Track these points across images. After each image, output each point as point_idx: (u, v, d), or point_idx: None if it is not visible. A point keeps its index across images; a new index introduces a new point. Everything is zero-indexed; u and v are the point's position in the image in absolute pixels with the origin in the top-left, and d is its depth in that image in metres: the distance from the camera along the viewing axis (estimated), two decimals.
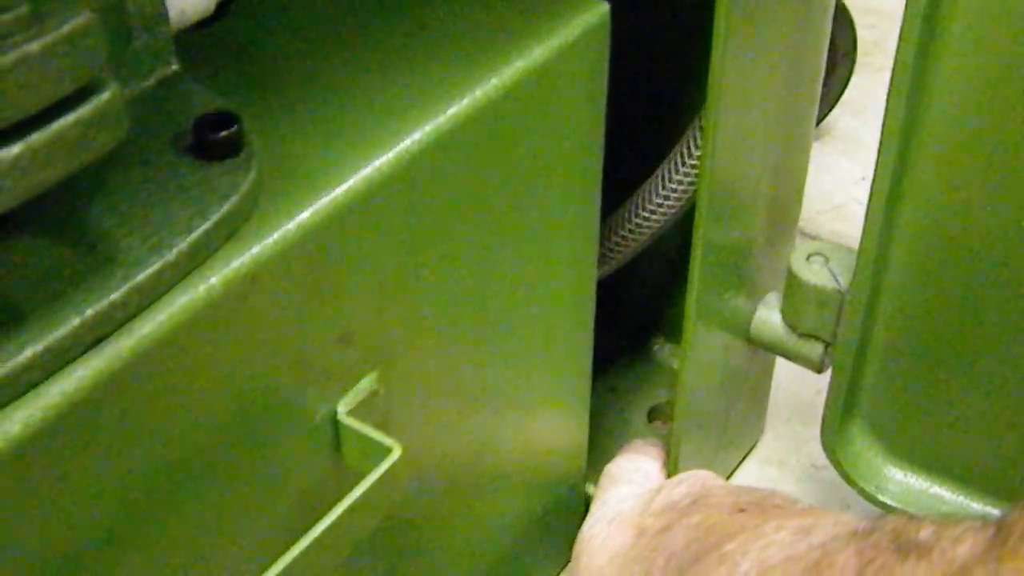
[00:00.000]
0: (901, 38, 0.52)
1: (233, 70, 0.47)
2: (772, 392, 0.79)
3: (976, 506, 0.65)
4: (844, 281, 0.61)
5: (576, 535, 0.69)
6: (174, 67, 0.44)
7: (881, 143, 0.55)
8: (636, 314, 0.83)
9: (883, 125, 0.55)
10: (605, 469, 0.67)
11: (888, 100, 0.54)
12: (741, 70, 0.53)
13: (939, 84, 0.53)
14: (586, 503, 0.69)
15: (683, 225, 0.66)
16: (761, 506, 0.50)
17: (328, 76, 0.46)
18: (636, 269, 0.71)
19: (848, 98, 1.09)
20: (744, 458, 0.79)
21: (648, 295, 0.82)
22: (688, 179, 0.63)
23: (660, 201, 0.65)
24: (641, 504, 0.56)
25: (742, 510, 0.50)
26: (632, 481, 0.63)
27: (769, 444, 0.80)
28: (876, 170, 0.56)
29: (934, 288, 0.59)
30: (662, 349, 0.84)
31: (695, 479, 0.58)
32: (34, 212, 0.35)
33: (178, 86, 0.44)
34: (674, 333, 0.83)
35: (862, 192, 1.06)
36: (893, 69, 0.53)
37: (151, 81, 0.43)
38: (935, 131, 0.55)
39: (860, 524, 0.44)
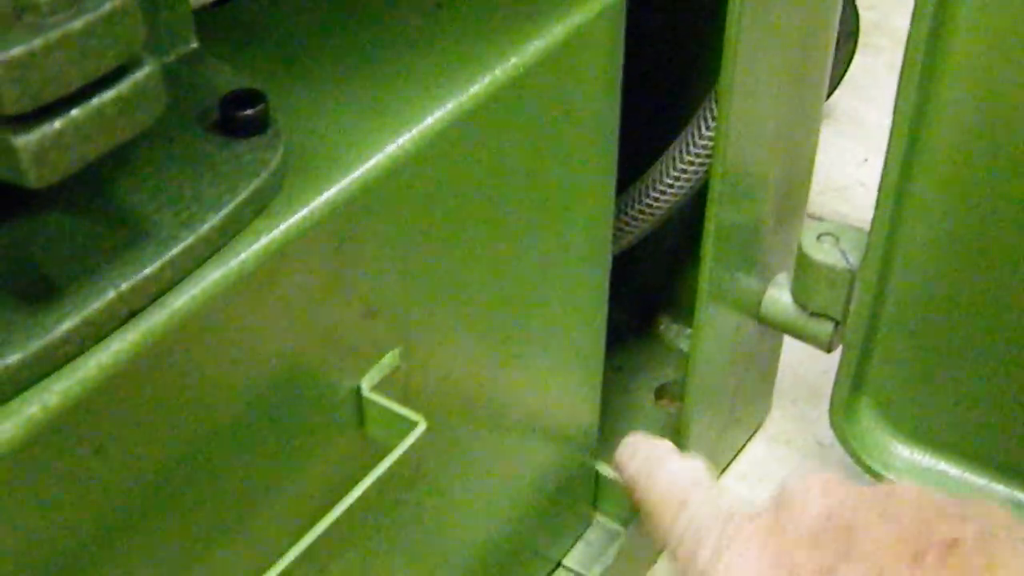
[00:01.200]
0: (913, 17, 0.53)
1: (251, 48, 0.48)
2: (778, 372, 0.80)
3: (981, 482, 0.66)
4: (854, 260, 0.61)
5: (587, 513, 0.70)
6: (194, 45, 0.45)
7: (893, 123, 0.56)
8: (642, 294, 0.83)
9: (895, 105, 0.55)
10: (624, 444, 0.55)
11: (900, 80, 0.55)
12: (755, 49, 0.54)
13: (951, 64, 0.54)
14: (596, 480, 0.70)
15: (689, 206, 0.66)
16: (936, 547, 0.41)
17: (347, 55, 0.47)
18: (641, 249, 0.71)
19: (849, 79, 1.09)
20: (751, 436, 0.80)
21: (653, 275, 0.83)
22: (699, 160, 0.63)
23: (670, 182, 0.65)
24: (768, 522, 0.45)
25: (916, 557, 0.41)
26: (671, 461, 0.49)
27: (776, 423, 0.81)
28: (888, 150, 0.56)
29: (944, 267, 0.59)
30: (668, 329, 0.85)
31: (822, 488, 0.46)
32: (63, 189, 0.36)
33: (199, 64, 0.44)
34: (680, 313, 0.84)
35: (864, 173, 1.07)
36: (905, 49, 0.54)
37: (171, 59, 0.43)
38: (946, 111, 0.55)
39: None
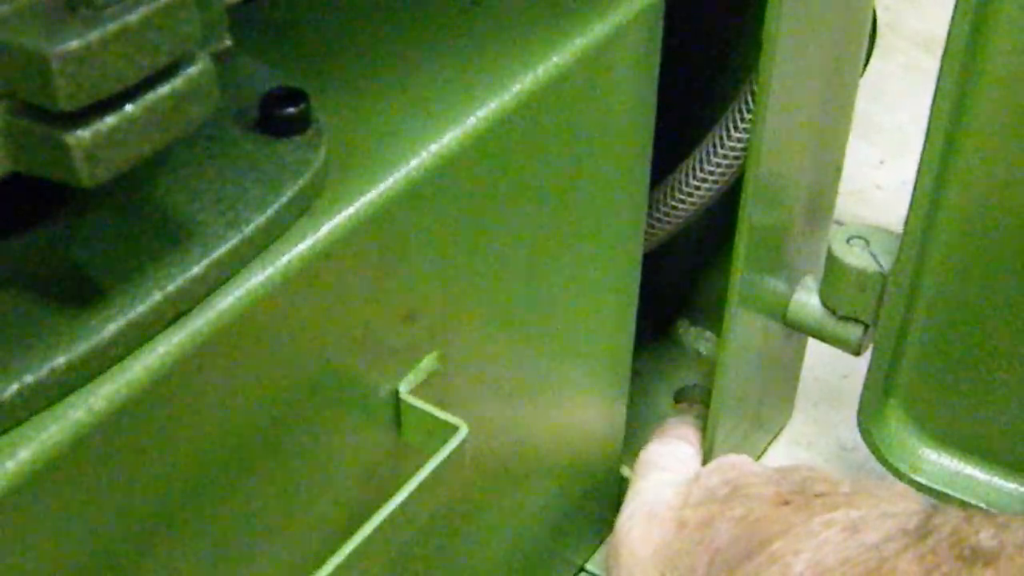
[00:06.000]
0: (953, 19, 0.52)
1: (285, 46, 0.47)
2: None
3: (1011, 487, 0.65)
4: (886, 263, 0.60)
5: (610, 517, 0.70)
6: (228, 43, 0.44)
7: (929, 124, 0.55)
8: (661, 297, 0.82)
9: (931, 109, 0.55)
10: (639, 456, 0.67)
11: (938, 82, 0.54)
12: (792, 46, 0.53)
13: (989, 67, 0.53)
14: (620, 485, 0.69)
15: (710, 209, 0.66)
16: (804, 495, 0.50)
17: (383, 52, 0.46)
18: (661, 252, 0.71)
19: (863, 81, 1.08)
20: (773, 439, 0.79)
21: (673, 278, 0.82)
22: (726, 162, 0.63)
23: (697, 184, 0.64)
24: (679, 496, 0.56)
25: (786, 502, 0.50)
26: (667, 467, 0.63)
27: (798, 427, 0.80)
28: (923, 152, 0.56)
29: (977, 270, 0.59)
30: (687, 332, 0.84)
31: (730, 465, 0.57)
32: (105, 189, 0.35)
33: (234, 62, 0.43)
34: (699, 316, 0.83)
35: (882, 176, 1.06)
36: (944, 51, 0.53)
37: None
38: (983, 113, 0.54)
39: (909, 522, 0.44)
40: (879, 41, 1.10)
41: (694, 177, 0.64)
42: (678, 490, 0.58)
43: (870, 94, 1.12)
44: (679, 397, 0.80)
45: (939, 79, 0.54)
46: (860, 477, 0.53)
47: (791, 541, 0.46)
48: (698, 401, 0.79)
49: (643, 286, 0.62)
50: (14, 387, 0.30)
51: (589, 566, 0.70)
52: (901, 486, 0.49)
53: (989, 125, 0.54)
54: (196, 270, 0.34)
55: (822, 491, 0.50)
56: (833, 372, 0.83)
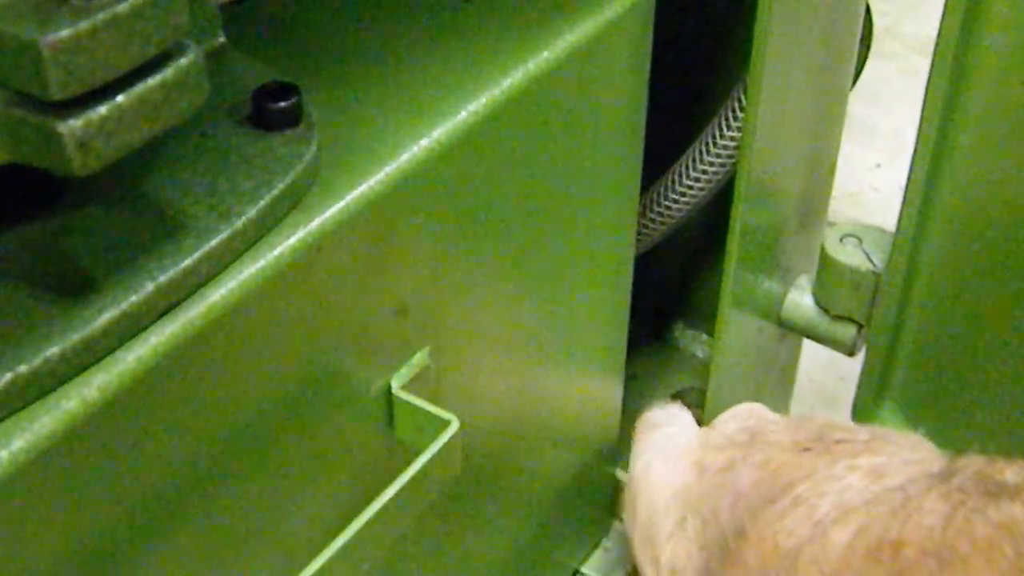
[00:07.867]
0: (943, 19, 0.53)
1: (277, 43, 0.47)
2: (796, 378, 0.80)
3: None
4: (879, 262, 0.61)
5: (605, 521, 0.70)
6: (221, 40, 0.44)
7: (920, 123, 0.55)
8: (656, 301, 0.83)
9: (923, 107, 0.55)
10: (641, 416, 0.65)
11: (928, 82, 0.54)
12: (782, 46, 0.54)
13: (980, 65, 0.53)
14: (614, 487, 0.69)
15: (704, 211, 0.66)
16: (824, 442, 0.49)
17: (375, 48, 0.46)
18: (655, 255, 0.71)
19: (860, 85, 1.09)
20: None
21: (667, 280, 0.82)
22: (719, 161, 0.63)
23: (690, 184, 0.65)
24: (696, 440, 0.56)
25: (806, 449, 0.50)
26: (671, 425, 0.62)
27: None
28: (915, 151, 0.56)
29: (970, 268, 0.59)
30: (683, 335, 0.84)
31: (747, 413, 0.56)
32: (98, 182, 0.35)
33: (227, 58, 0.44)
34: (695, 318, 0.83)
35: (878, 179, 1.07)
36: (935, 50, 0.53)
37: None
38: (974, 113, 0.55)
39: (933, 466, 0.44)
40: (877, 46, 1.10)
41: (687, 177, 0.64)
42: (694, 436, 0.57)
43: (867, 98, 1.12)
44: (675, 400, 0.80)
45: (930, 77, 0.54)
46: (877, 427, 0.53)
47: (815, 484, 0.46)
48: (695, 404, 0.79)
49: (639, 290, 0.62)
50: (8, 377, 0.31)
51: (584, 569, 0.70)
52: (917, 436, 0.49)
53: (980, 123, 0.55)
54: (188, 262, 0.34)
55: (842, 438, 0.50)
56: (829, 375, 0.83)
